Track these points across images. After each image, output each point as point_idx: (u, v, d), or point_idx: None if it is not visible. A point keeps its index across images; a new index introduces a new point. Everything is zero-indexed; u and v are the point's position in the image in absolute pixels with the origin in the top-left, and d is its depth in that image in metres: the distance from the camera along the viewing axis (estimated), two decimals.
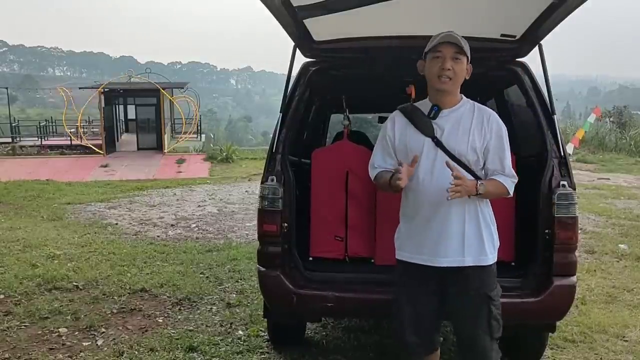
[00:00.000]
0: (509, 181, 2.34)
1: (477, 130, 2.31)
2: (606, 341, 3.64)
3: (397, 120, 2.44)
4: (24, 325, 3.83)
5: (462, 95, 2.39)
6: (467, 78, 2.34)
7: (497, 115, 2.39)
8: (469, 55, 2.29)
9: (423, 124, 2.34)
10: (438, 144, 2.30)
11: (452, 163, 2.22)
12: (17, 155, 20.54)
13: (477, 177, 2.30)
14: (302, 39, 3.06)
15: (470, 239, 2.29)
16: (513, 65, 3.05)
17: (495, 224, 2.39)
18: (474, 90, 2.77)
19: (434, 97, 2.36)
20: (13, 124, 25.49)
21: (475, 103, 2.40)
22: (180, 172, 15.65)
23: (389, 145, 2.43)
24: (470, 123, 2.32)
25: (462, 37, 2.28)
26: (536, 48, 2.94)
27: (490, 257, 2.33)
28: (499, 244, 2.40)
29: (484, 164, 2.34)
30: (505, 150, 2.34)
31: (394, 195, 3.15)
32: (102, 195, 9.85)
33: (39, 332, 3.72)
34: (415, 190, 2.31)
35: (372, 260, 3.23)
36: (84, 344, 3.58)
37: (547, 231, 2.72)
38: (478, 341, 2.35)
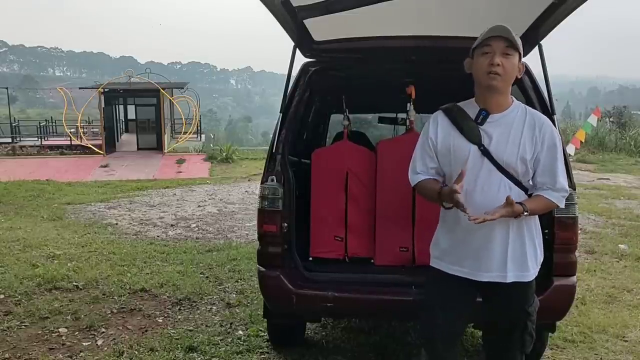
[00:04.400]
0: (559, 196, 2.17)
1: (528, 140, 2.13)
2: (606, 341, 3.64)
3: (440, 122, 2.24)
4: (24, 325, 3.83)
5: (513, 98, 2.22)
6: (519, 77, 2.18)
7: (550, 123, 2.22)
8: (521, 51, 2.12)
9: (469, 129, 2.16)
10: (485, 152, 2.13)
11: (511, 199, 2.04)
12: (17, 155, 20.54)
13: (524, 188, 2.17)
14: (302, 39, 3.06)
15: (513, 254, 2.17)
16: None
17: (541, 236, 2.29)
18: (473, 90, 2.77)
19: (482, 97, 2.18)
20: (13, 124, 25.46)
21: (528, 108, 2.23)
22: (180, 172, 15.65)
23: (431, 148, 2.25)
24: (521, 131, 2.14)
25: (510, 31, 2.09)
26: (536, 48, 2.94)
27: (532, 272, 2.22)
28: (542, 258, 2.29)
29: (533, 175, 2.18)
30: (558, 163, 2.16)
31: (394, 196, 3.18)
32: (102, 195, 9.86)
33: (39, 332, 3.72)
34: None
35: (372, 261, 3.23)
36: (84, 344, 3.58)
37: (547, 231, 2.72)
38: (508, 356, 2.34)
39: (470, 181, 2.15)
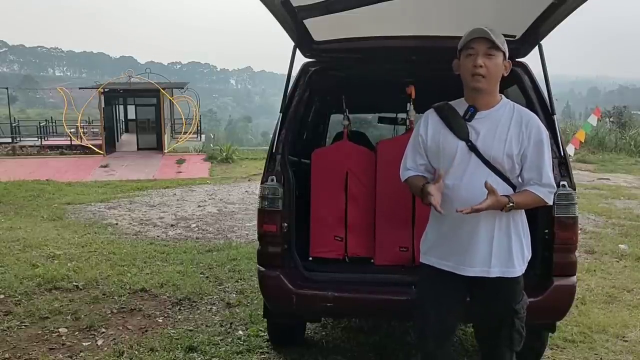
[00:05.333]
0: (546, 192, 2.18)
1: (514, 136, 2.16)
2: (606, 341, 3.64)
3: (430, 120, 2.30)
4: (24, 325, 3.83)
5: (502, 96, 2.26)
6: (506, 75, 2.21)
7: (537, 119, 2.24)
8: (505, 50, 2.15)
9: (458, 125, 2.20)
10: (472, 148, 2.17)
11: (489, 185, 2.07)
12: (17, 155, 20.55)
13: (511, 185, 2.19)
14: (302, 39, 3.06)
15: (498, 250, 2.19)
16: (513, 65, 3.05)
17: (528, 235, 2.29)
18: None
19: (470, 96, 2.22)
20: (13, 124, 25.46)
21: (516, 104, 2.26)
22: (180, 172, 15.65)
23: (420, 145, 2.31)
24: (507, 127, 2.17)
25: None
26: (536, 48, 2.94)
27: (518, 269, 2.23)
28: (529, 256, 2.30)
29: (520, 171, 2.20)
30: (544, 158, 2.17)
31: (394, 196, 3.18)
32: (102, 195, 9.85)
33: (39, 332, 3.72)
34: (444, 195, 2.16)
35: (372, 260, 3.24)
36: (84, 344, 3.58)
37: (546, 231, 2.72)
38: (497, 353, 2.35)
39: (458, 176, 2.19)
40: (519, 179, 2.22)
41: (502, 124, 2.19)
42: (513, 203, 2.12)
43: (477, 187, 2.12)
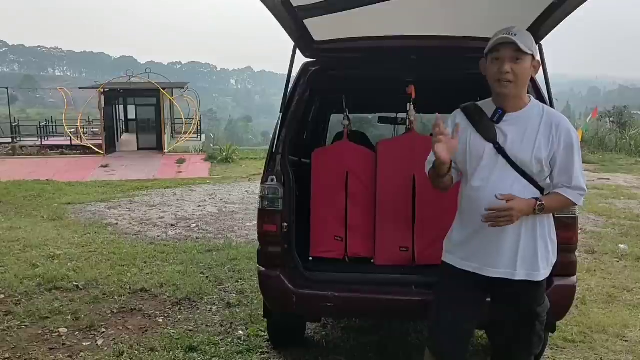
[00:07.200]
0: (576, 194, 2.16)
1: (543, 139, 2.12)
2: (606, 341, 3.64)
3: (457, 120, 2.27)
4: (24, 325, 3.83)
5: (531, 97, 2.24)
6: (534, 75, 2.18)
7: (567, 122, 2.19)
8: (533, 51, 2.10)
9: (486, 127, 2.18)
10: (500, 150, 2.15)
11: (503, 195, 2.08)
12: (17, 155, 20.54)
13: (539, 188, 2.16)
14: (302, 39, 3.06)
15: (524, 253, 2.17)
16: None
17: (555, 239, 2.28)
18: (474, 90, 2.77)
19: (497, 99, 2.20)
20: (13, 124, 25.45)
21: (545, 106, 2.23)
22: (181, 172, 15.65)
23: None
24: (537, 130, 2.13)
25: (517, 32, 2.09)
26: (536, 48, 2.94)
27: (542, 272, 2.21)
28: (555, 260, 2.28)
29: (550, 174, 2.17)
30: (575, 161, 2.14)
31: (394, 196, 3.18)
32: (102, 195, 9.85)
33: (39, 332, 3.73)
34: (470, 197, 2.18)
35: (372, 261, 3.24)
36: (84, 343, 3.58)
37: None
38: (514, 356, 2.33)
39: (484, 177, 2.17)
40: (547, 182, 2.19)
41: (531, 127, 2.15)
42: (542, 202, 2.11)
43: (503, 190, 2.11)
